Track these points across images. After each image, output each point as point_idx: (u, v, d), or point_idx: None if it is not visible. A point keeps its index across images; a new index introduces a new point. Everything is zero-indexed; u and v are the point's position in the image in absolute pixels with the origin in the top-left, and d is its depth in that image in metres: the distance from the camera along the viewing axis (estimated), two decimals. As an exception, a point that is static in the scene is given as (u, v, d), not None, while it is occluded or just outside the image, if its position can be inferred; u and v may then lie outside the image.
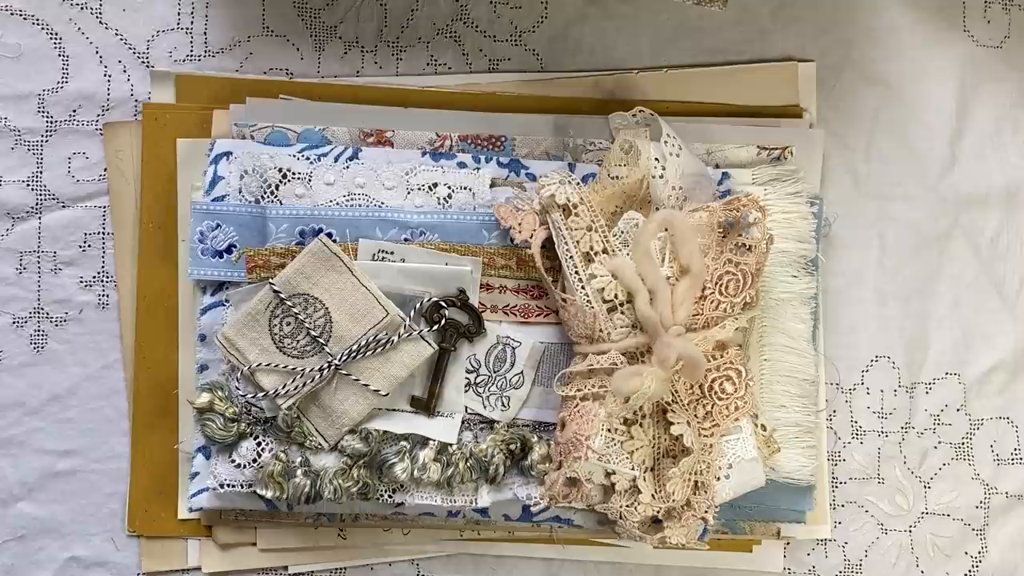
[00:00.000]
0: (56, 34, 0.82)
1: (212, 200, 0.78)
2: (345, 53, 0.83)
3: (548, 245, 0.76)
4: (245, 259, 0.77)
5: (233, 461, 0.77)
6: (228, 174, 0.78)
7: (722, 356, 0.75)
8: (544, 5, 0.84)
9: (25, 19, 0.82)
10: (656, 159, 0.78)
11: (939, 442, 0.86)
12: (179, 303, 0.80)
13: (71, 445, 0.81)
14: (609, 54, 0.84)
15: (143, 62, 0.82)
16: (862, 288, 0.85)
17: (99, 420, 0.82)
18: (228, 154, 0.78)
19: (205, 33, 0.83)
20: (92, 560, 0.82)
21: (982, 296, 0.86)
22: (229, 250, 0.77)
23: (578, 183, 0.76)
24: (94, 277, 0.82)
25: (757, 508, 0.80)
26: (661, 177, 0.77)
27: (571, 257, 0.74)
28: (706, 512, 0.74)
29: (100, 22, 0.82)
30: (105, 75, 0.82)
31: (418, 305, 0.76)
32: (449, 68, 0.84)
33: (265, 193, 0.77)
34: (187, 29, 0.83)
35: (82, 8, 0.82)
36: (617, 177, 0.77)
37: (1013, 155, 0.86)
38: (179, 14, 0.83)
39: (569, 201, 0.75)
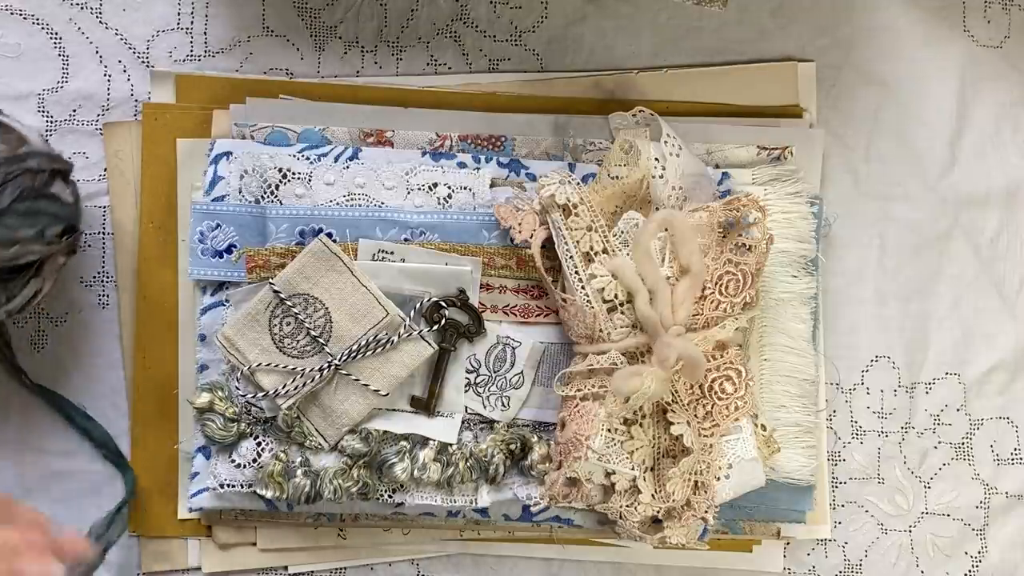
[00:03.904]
0: (56, 34, 0.82)
1: (212, 200, 0.78)
2: (345, 53, 0.83)
3: (548, 245, 0.76)
4: (245, 259, 0.77)
5: (233, 461, 0.77)
6: (228, 174, 0.78)
7: (722, 356, 0.75)
8: (544, 5, 0.84)
9: (25, 19, 0.82)
10: (656, 159, 0.78)
11: (939, 442, 0.85)
12: (179, 303, 0.80)
13: (71, 445, 0.81)
14: (609, 54, 0.84)
15: (143, 62, 0.82)
16: (862, 288, 0.85)
17: (99, 420, 0.81)
18: (228, 154, 0.78)
19: (205, 33, 0.83)
20: (92, 560, 0.82)
21: (982, 296, 0.86)
22: (229, 250, 0.77)
23: (578, 183, 0.76)
24: (94, 277, 0.82)
25: (757, 508, 0.80)
26: (661, 177, 0.77)
27: (571, 257, 0.74)
28: (706, 512, 0.74)
29: (100, 22, 0.82)
30: (105, 75, 0.82)
31: (418, 305, 0.76)
32: (449, 68, 0.84)
33: (265, 193, 0.77)
34: (187, 29, 0.83)
35: (82, 8, 0.82)
36: (617, 177, 0.77)
37: (1013, 155, 0.86)
38: (179, 14, 0.83)
39: (569, 201, 0.75)
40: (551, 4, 0.84)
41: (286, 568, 0.82)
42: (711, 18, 0.84)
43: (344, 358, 0.75)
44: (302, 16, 0.83)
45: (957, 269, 0.86)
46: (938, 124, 0.85)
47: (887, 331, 0.85)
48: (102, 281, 0.82)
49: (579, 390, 0.74)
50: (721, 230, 0.76)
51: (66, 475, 0.81)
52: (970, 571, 0.86)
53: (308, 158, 0.78)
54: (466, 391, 0.78)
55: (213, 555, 0.81)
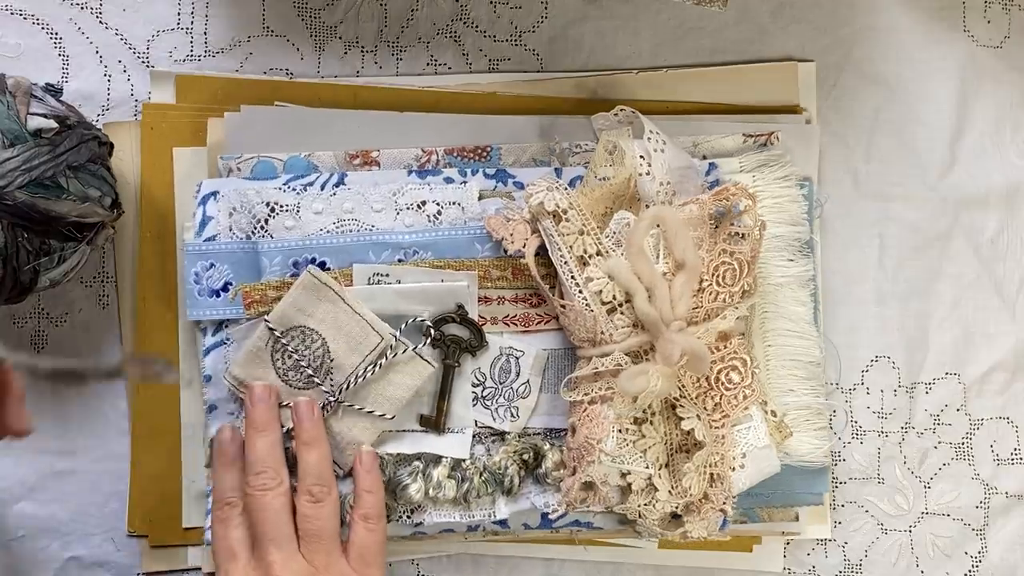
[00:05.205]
0: (56, 34, 0.82)
1: (204, 241, 0.77)
2: (345, 53, 0.83)
3: (542, 252, 0.76)
4: (242, 296, 0.76)
5: None
6: (217, 213, 0.77)
7: (726, 347, 0.75)
8: (544, 5, 0.84)
9: (25, 19, 0.82)
10: (641, 156, 0.77)
11: (939, 442, 0.85)
12: (179, 304, 0.80)
13: (71, 445, 0.81)
14: (609, 54, 0.84)
15: (143, 62, 0.82)
16: (862, 288, 0.85)
17: (99, 420, 0.81)
18: (215, 194, 0.77)
19: (205, 33, 0.83)
20: (92, 560, 0.82)
21: (982, 296, 0.86)
22: (225, 288, 0.77)
23: (566, 188, 0.75)
24: (94, 277, 0.82)
25: (774, 494, 0.80)
26: (648, 174, 0.77)
27: (566, 262, 0.74)
28: (724, 503, 0.73)
29: (100, 22, 0.82)
30: (105, 75, 0.82)
31: (412, 322, 0.75)
32: (449, 68, 0.84)
33: (255, 228, 0.76)
34: (187, 29, 0.83)
35: (82, 8, 0.82)
36: (604, 178, 0.77)
37: (1013, 155, 0.86)
38: (179, 14, 0.83)
39: (558, 207, 0.74)
40: (551, 4, 0.84)
41: (286, 568, 0.82)
42: (711, 18, 0.84)
43: (341, 391, 0.74)
44: (302, 16, 0.83)
45: (957, 269, 0.86)
46: (938, 124, 0.85)
47: (887, 331, 0.85)
48: (102, 281, 0.82)
49: (586, 394, 0.74)
50: (713, 221, 0.76)
51: (66, 475, 0.81)
52: (970, 571, 0.86)
53: (294, 189, 0.77)
54: (474, 405, 0.77)
55: (214, 555, 0.81)
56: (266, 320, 0.75)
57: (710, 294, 0.74)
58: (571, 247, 0.74)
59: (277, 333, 0.74)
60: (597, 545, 0.83)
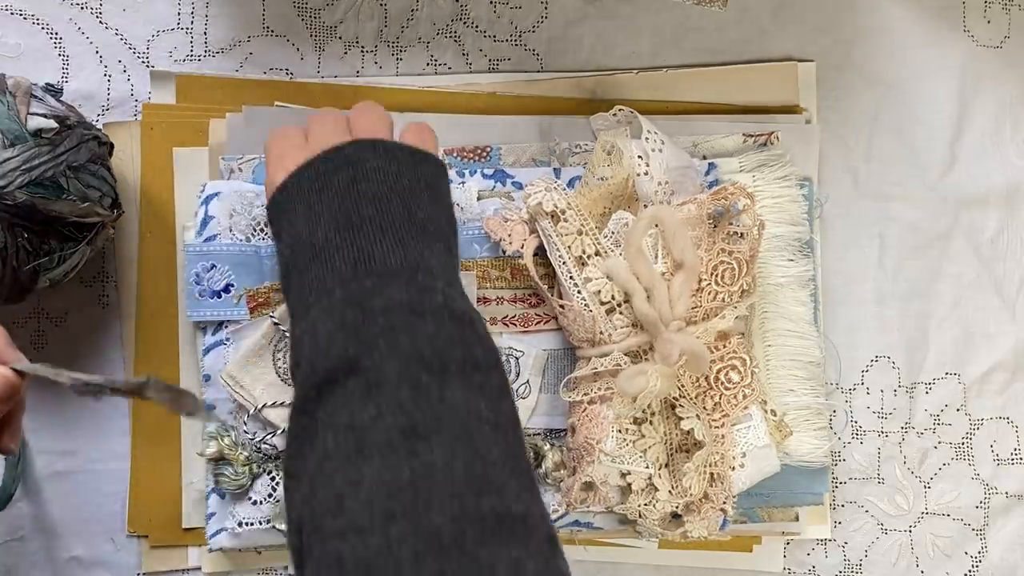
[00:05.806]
0: (56, 34, 0.82)
1: (204, 241, 0.77)
2: (345, 53, 0.83)
3: (541, 253, 0.76)
4: (246, 299, 0.76)
5: (250, 499, 0.76)
6: (218, 213, 0.77)
7: (725, 346, 0.75)
8: (544, 5, 0.84)
9: (25, 19, 0.82)
10: (640, 156, 0.77)
11: (939, 442, 0.85)
12: (179, 305, 0.80)
13: (71, 445, 0.81)
14: (609, 54, 0.84)
15: (143, 62, 0.82)
16: (862, 288, 0.85)
17: (99, 420, 0.81)
18: (218, 194, 0.77)
19: (205, 33, 0.83)
20: (92, 560, 0.82)
21: (982, 296, 0.86)
22: (227, 289, 0.77)
23: (564, 188, 0.76)
24: (94, 277, 0.82)
25: (774, 494, 0.80)
26: (646, 174, 0.77)
27: (564, 263, 0.74)
28: (724, 503, 0.74)
29: (100, 22, 0.82)
30: (105, 75, 0.82)
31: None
32: (449, 68, 0.84)
33: (255, 230, 0.76)
34: (187, 29, 0.83)
35: (82, 8, 0.82)
36: (602, 178, 0.77)
37: (1013, 154, 0.86)
38: (179, 14, 0.83)
39: (557, 207, 0.74)
40: (551, 4, 0.84)
41: (286, 567, 0.82)
42: (711, 18, 0.84)
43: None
44: (302, 16, 0.83)
45: (957, 269, 0.85)
46: (938, 124, 0.85)
47: (887, 331, 0.85)
48: (102, 281, 0.82)
49: (586, 394, 0.74)
50: (711, 220, 0.76)
51: (66, 475, 0.81)
52: (970, 571, 0.85)
53: (296, 190, 0.77)
54: (475, 405, 0.77)
55: (214, 555, 0.81)
56: (272, 317, 0.74)
57: (709, 294, 0.74)
58: (569, 247, 0.74)
59: (284, 329, 0.74)
60: (597, 545, 0.82)
